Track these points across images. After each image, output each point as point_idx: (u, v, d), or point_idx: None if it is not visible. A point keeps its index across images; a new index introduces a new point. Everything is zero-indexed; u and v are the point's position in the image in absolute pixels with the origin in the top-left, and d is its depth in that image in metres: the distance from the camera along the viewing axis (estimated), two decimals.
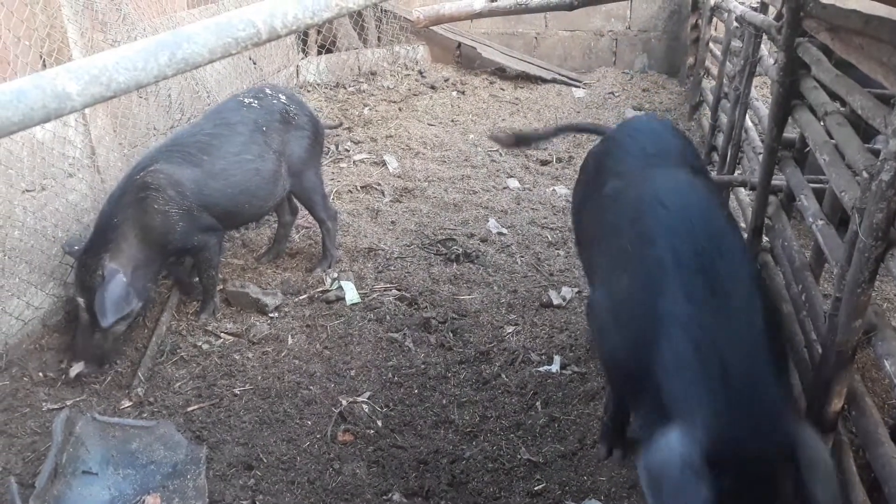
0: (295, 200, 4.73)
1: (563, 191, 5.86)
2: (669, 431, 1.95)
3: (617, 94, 8.36)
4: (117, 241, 3.60)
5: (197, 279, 4.23)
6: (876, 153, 2.15)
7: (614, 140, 3.15)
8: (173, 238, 3.80)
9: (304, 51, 8.28)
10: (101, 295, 3.46)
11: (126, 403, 3.47)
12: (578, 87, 8.65)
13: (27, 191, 3.76)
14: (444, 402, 3.50)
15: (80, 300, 3.59)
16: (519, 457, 3.16)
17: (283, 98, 4.39)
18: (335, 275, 4.52)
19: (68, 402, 3.45)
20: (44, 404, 3.44)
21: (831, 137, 2.80)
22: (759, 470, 1.85)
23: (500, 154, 6.60)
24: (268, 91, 4.41)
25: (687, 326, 2.12)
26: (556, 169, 6.37)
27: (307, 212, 4.69)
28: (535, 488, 3.01)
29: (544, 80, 8.69)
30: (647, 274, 2.33)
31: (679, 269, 2.25)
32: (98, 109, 4.38)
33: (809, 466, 1.87)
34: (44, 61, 3.97)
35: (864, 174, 2.20)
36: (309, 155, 4.46)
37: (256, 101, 4.26)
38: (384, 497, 2.95)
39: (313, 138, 4.49)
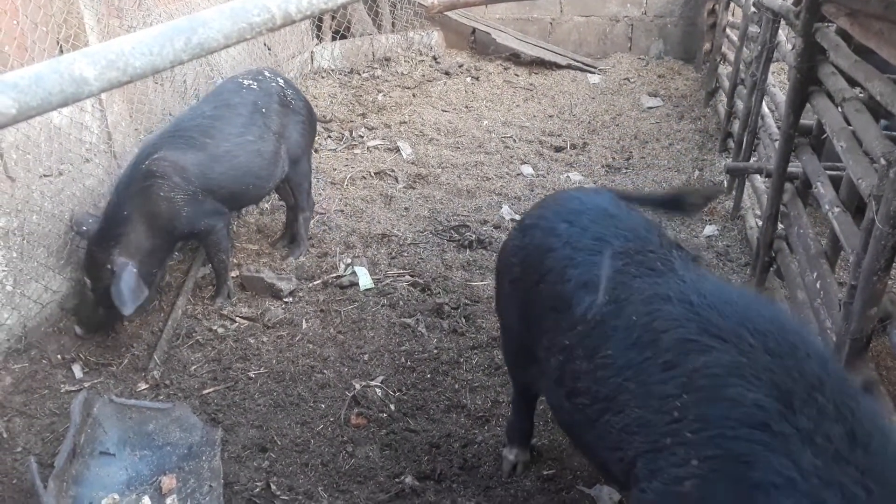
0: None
1: (578, 177, 5.84)
2: None
3: (632, 80, 8.30)
4: (126, 232, 3.64)
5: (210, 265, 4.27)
6: (894, 140, 2.13)
7: (550, 231, 2.41)
8: (179, 224, 3.82)
9: (318, 36, 8.27)
10: (117, 288, 3.52)
11: (143, 386, 3.52)
12: (593, 72, 8.59)
13: (45, 176, 3.80)
14: (457, 386, 3.52)
15: (88, 280, 3.71)
16: (531, 442, 3.17)
17: (280, 81, 4.39)
18: (349, 260, 4.55)
19: (86, 384, 3.50)
20: (62, 386, 3.49)
21: (849, 124, 2.77)
22: None
23: (514, 140, 6.58)
24: (266, 73, 4.41)
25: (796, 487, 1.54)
26: (571, 156, 6.34)
27: (294, 196, 4.60)
28: (546, 472, 3.02)
29: (559, 66, 8.63)
30: (727, 445, 1.66)
31: (790, 417, 1.62)
32: (114, 95, 4.41)
33: None
34: (60, 47, 4.00)
35: (882, 161, 2.18)
36: (305, 141, 4.48)
37: (255, 83, 4.25)
38: (396, 480, 2.98)
39: (308, 124, 4.50)
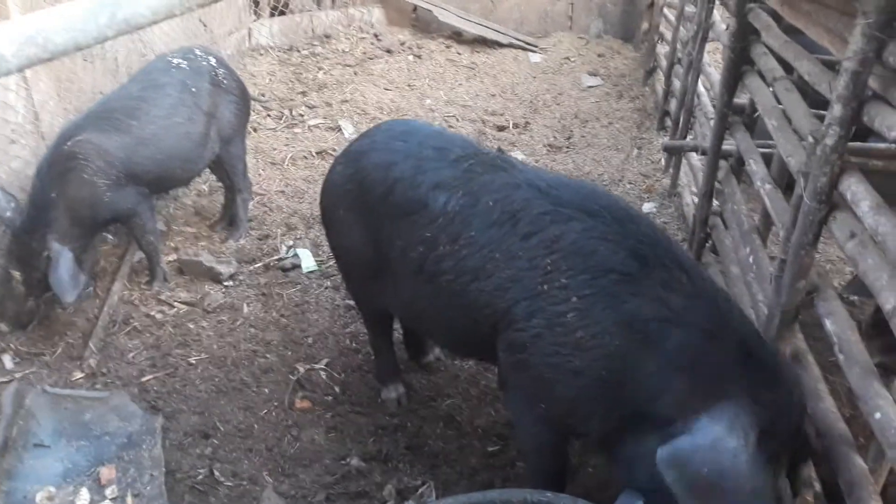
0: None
1: (520, 157, 5.86)
2: (702, 430, 1.92)
3: (573, 60, 8.35)
4: (57, 217, 3.49)
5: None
6: (821, 118, 2.20)
7: (387, 150, 2.75)
8: (101, 209, 3.68)
9: (256, 12, 8.05)
10: (57, 276, 3.39)
11: (78, 375, 3.41)
12: (535, 51, 8.61)
13: None
14: (403, 367, 3.52)
15: (17, 273, 3.50)
16: (476, 421, 3.20)
17: (212, 60, 4.26)
18: (291, 242, 4.48)
19: (17, 375, 3.37)
20: None
21: (779, 103, 2.85)
22: (789, 430, 2.04)
23: (457, 120, 6.56)
24: (197, 52, 4.28)
25: (677, 320, 2.06)
26: (513, 135, 6.36)
27: (229, 178, 4.49)
28: (491, 449, 3.06)
29: (501, 45, 8.62)
30: (599, 284, 2.16)
31: (633, 261, 2.16)
32: (40, 73, 4.22)
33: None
34: None
35: (810, 139, 2.25)
36: (238, 121, 4.37)
37: (185, 62, 4.12)
38: (342, 462, 2.98)
39: (241, 104, 4.38)
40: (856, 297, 3.66)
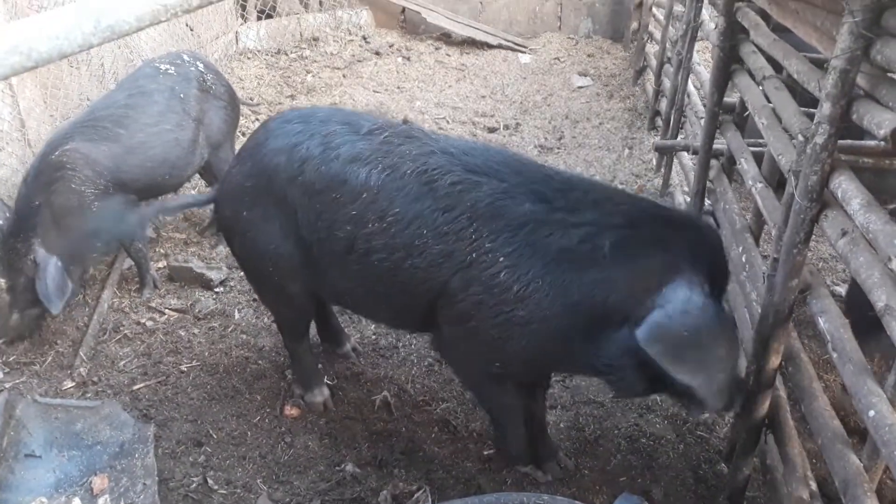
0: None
1: None
2: (669, 301, 2.16)
3: (563, 60, 8.37)
4: (43, 224, 3.46)
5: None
6: (811, 117, 2.21)
7: (285, 136, 2.70)
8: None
9: (243, 16, 8.03)
10: (42, 284, 3.35)
11: (68, 384, 3.38)
12: (524, 52, 8.62)
13: None
14: (396, 372, 3.51)
15: (2, 281, 3.46)
16: (471, 425, 3.19)
17: (200, 65, 4.24)
18: None
19: (7, 385, 3.34)
20: None
21: (769, 101, 2.86)
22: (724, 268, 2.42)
23: (448, 122, 6.56)
24: (185, 57, 4.25)
25: (598, 230, 2.30)
26: (504, 136, 6.36)
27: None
28: (486, 453, 3.05)
29: (490, 46, 8.64)
30: (518, 238, 2.34)
31: (537, 205, 2.36)
32: (26, 80, 4.19)
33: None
34: None
35: (800, 137, 2.25)
36: (227, 126, 4.34)
37: (173, 68, 4.09)
38: (337, 468, 2.96)
39: (230, 109, 4.36)
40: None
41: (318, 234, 2.63)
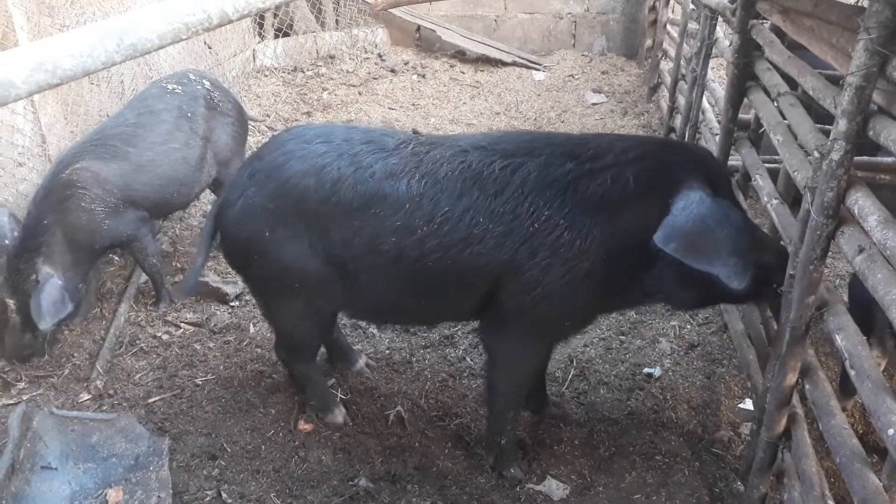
0: None
1: None
2: (675, 206, 2.43)
3: (577, 77, 8.40)
4: (49, 244, 3.49)
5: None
6: (827, 133, 2.20)
7: (309, 157, 2.71)
8: (100, 237, 3.70)
9: (260, 34, 8.14)
10: (36, 300, 3.37)
11: (85, 396, 3.41)
12: (539, 69, 8.66)
13: None
14: (410, 387, 3.51)
15: (11, 302, 3.48)
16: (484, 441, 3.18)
17: (207, 84, 4.30)
18: None
19: (25, 397, 3.37)
20: None
21: (784, 118, 2.86)
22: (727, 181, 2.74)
23: None
24: (191, 76, 4.31)
25: (619, 168, 2.56)
26: None
27: None
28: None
29: (504, 63, 8.68)
30: (569, 200, 2.56)
31: (571, 164, 2.61)
32: (48, 96, 4.26)
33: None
34: None
35: (816, 154, 2.25)
36: (235, 143, 4.39)
37: (180, 87, 4.15)
38: (350, 482, 2.96)
39: (238, 125, 4.41)
40: None
41: (355, 251, 2.67)
